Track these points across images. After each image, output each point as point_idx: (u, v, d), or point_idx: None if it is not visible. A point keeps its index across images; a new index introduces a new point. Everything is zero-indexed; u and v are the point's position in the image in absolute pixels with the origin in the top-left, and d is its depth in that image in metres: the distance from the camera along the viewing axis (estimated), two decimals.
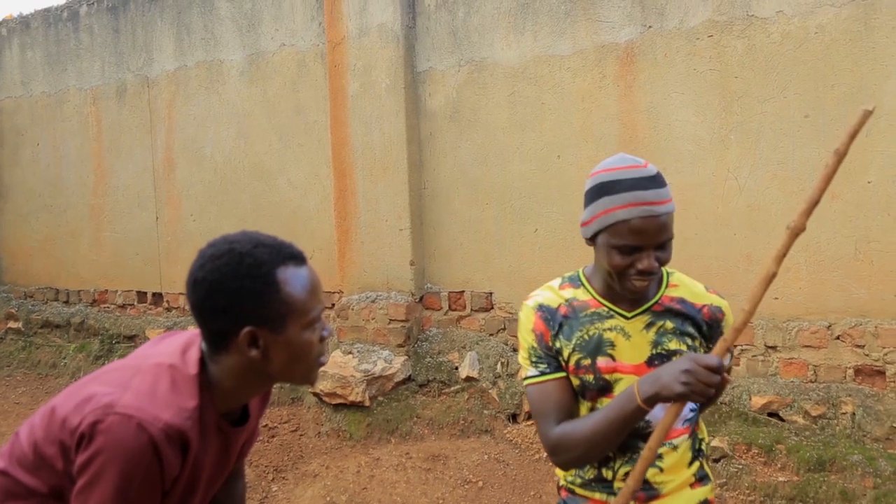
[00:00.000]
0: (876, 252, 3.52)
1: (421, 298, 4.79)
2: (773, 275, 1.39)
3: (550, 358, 1.62)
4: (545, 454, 3.97)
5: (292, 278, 1.36)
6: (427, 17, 4.66)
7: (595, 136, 4.16)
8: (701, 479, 1.69)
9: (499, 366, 4.42)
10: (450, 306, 4.74)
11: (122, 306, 6.32)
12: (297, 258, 1.39)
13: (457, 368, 4.56)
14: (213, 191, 5.69)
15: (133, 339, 6.05)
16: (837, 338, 3.62)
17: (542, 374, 1.61)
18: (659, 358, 1.58)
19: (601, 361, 1.58)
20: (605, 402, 1.60)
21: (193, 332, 1.51)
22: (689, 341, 1.60)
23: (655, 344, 1.59)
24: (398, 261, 4.71)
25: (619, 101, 4.08)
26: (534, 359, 1.63)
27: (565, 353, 1.61)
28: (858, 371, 3.58)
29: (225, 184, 5.62)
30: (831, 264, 3.61)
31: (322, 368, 4.60)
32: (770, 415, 3.69)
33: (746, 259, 3.79)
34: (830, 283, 3.62)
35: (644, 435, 1.59)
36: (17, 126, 6.94)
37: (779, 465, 3.49)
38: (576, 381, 1.61)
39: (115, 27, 6.17)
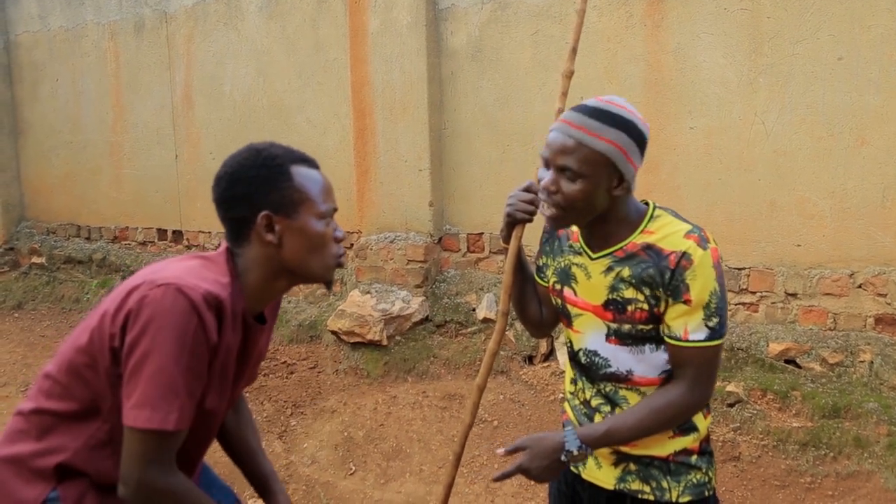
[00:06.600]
0: None
1: (439, 240, 4.79)
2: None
3: (538, 267, 1.82)
4: (560, 396, 4.02)
5: (304, 173, 1.48)
6: None
7: (620, 78, 4.07)
8: (684, 430, 1.63)
9: None
10: (468, 248, 4.73)
11: (143, 243, 6.38)
12: (309, 161, 1.51)
13: (474, 310, 4.58)
14: (231, 129, 5.66)
15: None
16: (859, 286, 3.58)
17: (536, 272, 1.83)
18: (614, 304, 1.57)
19: (567, 291, 1.69)
20: (568, 334, 1.73)
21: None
22: (647, 291, 1.52)
23: (612, 289, 1.57)
24: (417, 201, 4.69)
25: (646, 41, 3.98)
26: (536, 259, 1.84)
27: (549, 272, 1.76)
28: (879, 320, 3.56)
29: (244, 122, 5.59)
30: (857, 212, 3.56)
31: (341, 307, 4.65)
32: (787, 362, 3.69)
33: (770, 206, 3.74)
34: (855, 231, 3.57)
35: (606, 375, 1.64)
36: (35, 61, 6.91)
37: (793, 411, 3.51)
38: (552, 300, 1.76)
39: None
